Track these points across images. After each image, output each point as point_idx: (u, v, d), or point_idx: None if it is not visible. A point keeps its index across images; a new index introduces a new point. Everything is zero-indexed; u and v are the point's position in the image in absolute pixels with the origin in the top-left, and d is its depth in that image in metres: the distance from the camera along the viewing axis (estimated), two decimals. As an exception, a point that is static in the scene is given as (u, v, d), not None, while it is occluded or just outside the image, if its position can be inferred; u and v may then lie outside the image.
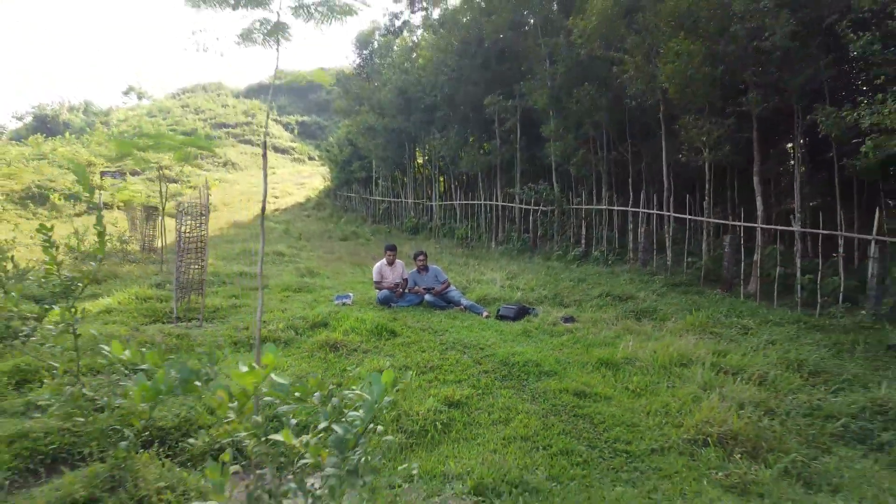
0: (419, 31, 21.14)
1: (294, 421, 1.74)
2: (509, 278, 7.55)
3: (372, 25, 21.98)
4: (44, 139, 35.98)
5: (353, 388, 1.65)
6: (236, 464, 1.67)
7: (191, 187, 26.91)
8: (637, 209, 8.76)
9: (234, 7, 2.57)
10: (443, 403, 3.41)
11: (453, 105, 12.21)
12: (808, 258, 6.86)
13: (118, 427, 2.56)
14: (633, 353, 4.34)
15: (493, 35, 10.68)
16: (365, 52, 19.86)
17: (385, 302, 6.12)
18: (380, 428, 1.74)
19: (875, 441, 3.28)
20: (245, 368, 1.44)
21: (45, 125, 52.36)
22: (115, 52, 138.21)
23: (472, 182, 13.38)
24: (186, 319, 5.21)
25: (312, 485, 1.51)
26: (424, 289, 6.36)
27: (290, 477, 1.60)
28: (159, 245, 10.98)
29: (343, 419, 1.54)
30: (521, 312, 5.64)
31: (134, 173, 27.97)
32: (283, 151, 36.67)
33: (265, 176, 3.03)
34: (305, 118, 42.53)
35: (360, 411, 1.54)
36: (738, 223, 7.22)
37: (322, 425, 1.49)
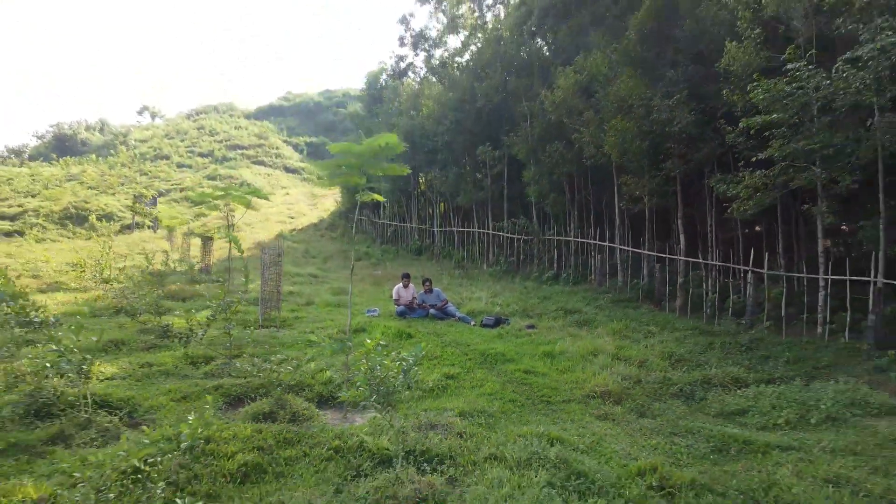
0: (422, 71, 23.78)
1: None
2: (492, 296, 9.93)
3: (380, 66, 24.65)
4: (74, 161, 38.48)
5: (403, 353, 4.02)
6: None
7: (213, 208, 29.29)
8: (595, 241, 11.15)
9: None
10: (443, 376, 5.73)
11: (452, 149, 14.67)
12: (720, 281, 9.20)
13: (272, 381, 4.88)
14: (565, 348, 6.69)
15: (483, 97, 13.14)
16: (373, 90, 22.47)
17: (402, 314, 8.47)
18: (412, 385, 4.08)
19: (695, 397, 5.61)
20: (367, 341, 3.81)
21: (64, 143, 54.91)
22: (128, 71, 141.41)
23: (468, 212, 15.78)
24: (266, 326, 7.53)
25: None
26: (430, 305, 8.71)
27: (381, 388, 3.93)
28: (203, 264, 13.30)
29: (403, 360, 3.90)
30: (498, 322, 8.01)
31: (160, 193, 30.41)
32: (294, 171, 39.20)
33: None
34: (314, 139, 45.14)
35: (410, 359, 3.90)
36: (664, 255, 9.61)
37: (396, 361, 3.84)
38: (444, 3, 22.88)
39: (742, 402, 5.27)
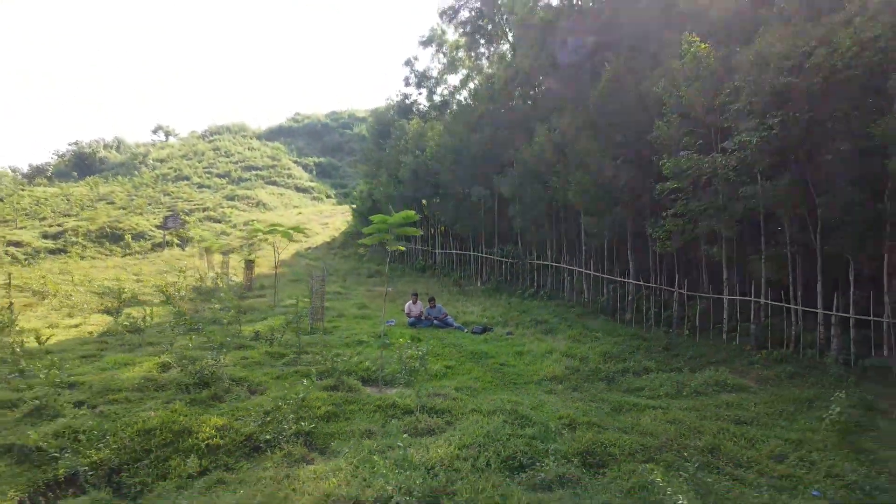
0: (425, 107, 26.65)
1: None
2: (482, 310, 12.56)
3: (387, 103, 27.56)
4: (101, 180, 41.22)
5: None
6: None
7: (233, 227, 32.04)
8: (566, 266, 13.81)
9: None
10: (443, 366, 8.34)
11: (451, 185, 17.39)
12: (661, 299, 11.81)
13: (332, 368, 7.48)
14: (532, 348, 9.31)
15: (475, 145, 15.88)
16: (381, 125, 25.34)
17: (412, 325, 11.09)
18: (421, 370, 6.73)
19: (615, 381, 8.20)
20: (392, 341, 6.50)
21: (84, 161, 57.71)
22: (142, 90, 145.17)
23: (465, 237, 18.46)
24: (313, 332, 10.13)
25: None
26: (433, 317, 11.32)
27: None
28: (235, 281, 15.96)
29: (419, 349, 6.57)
30: (484, 330, 10.63)
31: (186, 212, 33.08)
32: (305, 191, 41.98)
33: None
34: (321, 160, 48.04)
35: (421, 351, 6.57)
36: (617, 278, 12.26)
37: (414, 353, 6.49)
38: (445, 47, 25.83)
39: (643, 383, 7.88)
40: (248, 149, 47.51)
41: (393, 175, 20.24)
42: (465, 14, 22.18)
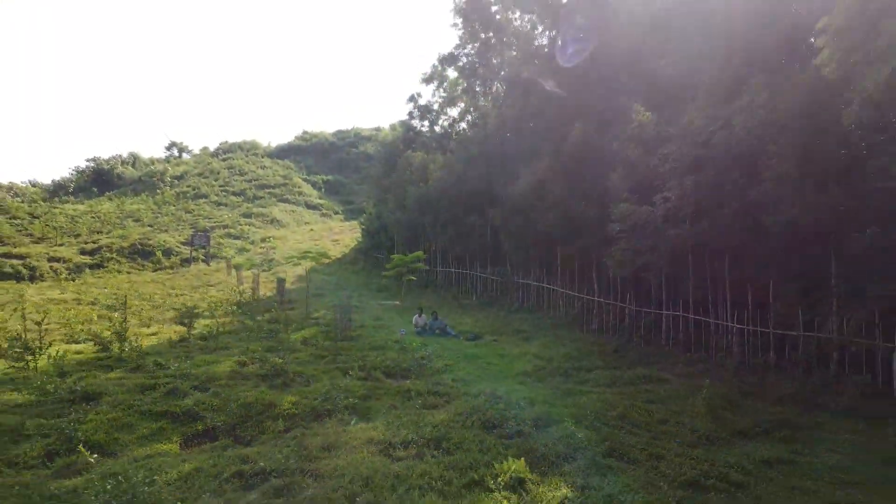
0: (427, 136, 29.64)
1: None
2: (475, 321, 15.39)
3: (394, 134, 30.58)
4: (125, 198, 44.13)
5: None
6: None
7: (251, 243, 34.94)
8: (545, 285, 16.66)
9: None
10: (443, 364, 11.15)
11: (450, 213, 20.30)
12: (619, 311, 14.60)
13: (364, 364, 10.29)
14: (511, 352, 12.14)
15: (471, 180, 18.81)
16: (389, 155, 28.36)
17: (419, 334, 13.91)
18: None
19: (570, 375, 10.99)
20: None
21: (102, 177, 60.62)
22: (156, 106, 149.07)
23: (463, 257, 21.34)
24: (342, 339, 12.94)
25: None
26: (436, 328, 14.13)
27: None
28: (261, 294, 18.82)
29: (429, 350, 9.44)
30: (476, 337, 13.46)
31: (208, 230, 35.93)
32: (314, 207, 45.00)
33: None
34: (329, 177, 51.11)
35: (427, 353, 9.45)
36: (584, 296, 15.11)
37: (422, 354, 9.34)
38: (445, 84, 28.89)
39: (590, 377, 10.68)
40: (261, 167, 50.58)
41: (399, 202, 23.15)
42: (462, 60, 25.27)
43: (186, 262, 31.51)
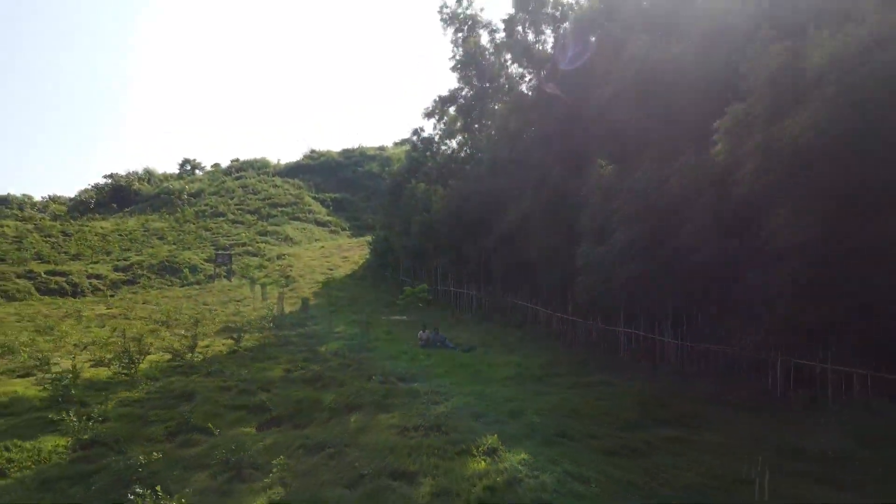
0: (428, 166, 32.81)
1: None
2: (470, 335, 18.41)
3: (398, 165, 33.79)
4: (147, 215, 47.19)
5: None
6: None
7: (268, 260, 38.00)
8: (529, 304, 19.69)
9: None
10: (442, 371, 14.17)
11: (450, 240, 23.41)
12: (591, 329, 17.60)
13: (383, 371, 13.31)
14: (497, 361, 15.17)
15: (467, 213, 21.91)
16: (395, 185, 31.59)
17: (423, 346, 16.93)
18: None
19: (544, 379, 13.99)
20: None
21: (119, 194, 63.75)
22: (167, 124, 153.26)
23: (461, 277, 24.40)
24: (363, 351, 15.93)
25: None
26: (437, 341, 17.15)
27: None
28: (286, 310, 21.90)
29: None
30: (470, 349, 16.50)
31: (227, 248, 38.93)
32: (323, 225, 48.10)
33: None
34: (337, 195, 54.24)
35: (430, 362, 12.53)
36: (561, 315, 18.14)
37: (426, 363, 12.41)
38: (444, 118, 32.13)
39: (558, 381, 13.66)
40: (273, 186, 53.76)
41: (405, 228, 26.27)
42: (460, 101, 28.57)
43: (210, 278, 34.38)
